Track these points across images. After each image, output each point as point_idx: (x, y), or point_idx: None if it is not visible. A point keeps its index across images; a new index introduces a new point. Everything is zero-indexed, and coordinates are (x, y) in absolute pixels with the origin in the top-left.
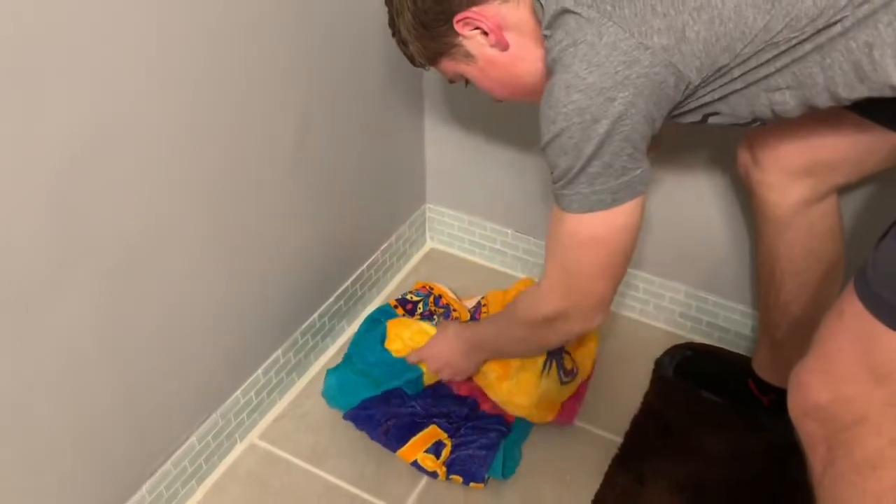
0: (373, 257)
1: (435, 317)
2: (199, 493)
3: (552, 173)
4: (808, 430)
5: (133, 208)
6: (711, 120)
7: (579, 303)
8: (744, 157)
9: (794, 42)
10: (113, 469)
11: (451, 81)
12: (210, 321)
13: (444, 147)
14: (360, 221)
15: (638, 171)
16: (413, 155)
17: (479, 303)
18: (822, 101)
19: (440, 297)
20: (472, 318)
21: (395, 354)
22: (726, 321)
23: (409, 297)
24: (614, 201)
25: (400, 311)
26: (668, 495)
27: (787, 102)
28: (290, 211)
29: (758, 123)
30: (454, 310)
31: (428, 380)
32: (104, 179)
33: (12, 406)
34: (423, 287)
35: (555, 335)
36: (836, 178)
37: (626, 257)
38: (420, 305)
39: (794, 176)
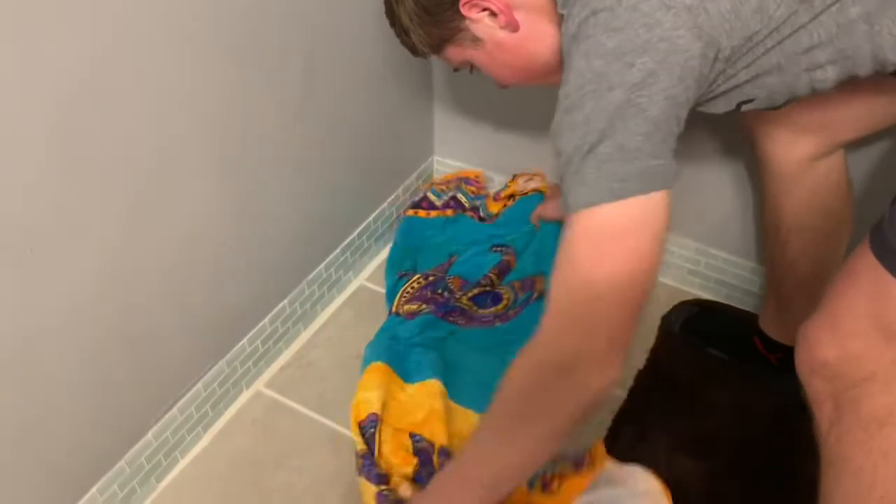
0: (379, 209)
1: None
2: (206, 440)
3: (559, 162)
4: (815, 386)
5: (138, 151)
6: (745, 107)
7: (596, 333)
8: (750, 113)
9: (830, 2)
10: (119, 414)
11: (456, 69)
12: (217, 269)
13: (453, 99)
14: (368, 173)
15: (654, 162)
16: (421, 107)
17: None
18: (866, 69)
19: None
20: (494, 199)
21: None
22: (735, 278)
23: (413, 200)
24: (623, 191)
25: (420, 212)
26: (670, 450)
27: (828, 78)
28: (297, 160)
29: (792, 103)
30: (475, 177)
31: None
32: (109, 117)
33: (19, 351)
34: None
35: (569, 393)
36: (845, 134)
37: (646, 271)
38: (430, 194)
39: (801, 131)
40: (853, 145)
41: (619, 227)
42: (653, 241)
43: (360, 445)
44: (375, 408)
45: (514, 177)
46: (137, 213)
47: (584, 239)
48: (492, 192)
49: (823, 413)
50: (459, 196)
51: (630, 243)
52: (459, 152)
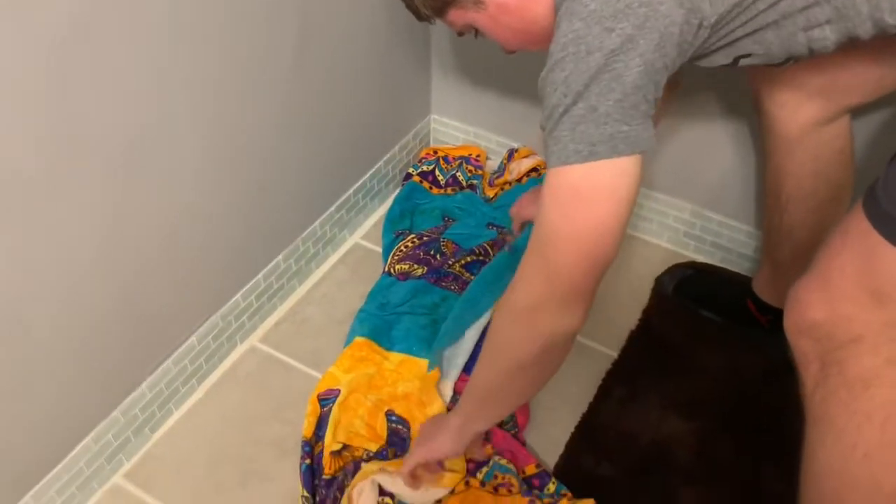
0: (375, 167)
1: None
2: (200, 392)
3: (542, 117)
4: (803, 347)
5: (132, 106)
6: (743, 62)
7: (558, 283)
8: (755, 74)
9: None
10: (114, 365)
11: (460, 34)
12: (212, 224)
13: (451, 58)
14: (364, 130)
15: (625, 128)
16: (419, 65)
17: (503, 162)
18: (866, 31)
19: (447, 156)
20: (499, 175)
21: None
22: (730, 241)
23: (422, 168)
24: (591, 154)
25: (426, 183)
26: (660, 409)
27: (827, 38)
28: (292, 115)
29: (791, 62)
30: (476, 156)
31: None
32: (102, 72)
33: (15, 301)
34: (430, 154)
35: (533, 334)
36: (851, 98)
37: (610, 232)
38: (438, 172)
39: (807, 95)
40: (856, 112)
41: (584, 189)
42: (617, 205)
43: (306, 430)
44: (340, 384)
45: (511, 154)
46: (131, 169)
47: (554, 196)
48: (489, 172)
49: (809, 373)
50: (459, 175)
51: (594, 205)
52: (457, 112)
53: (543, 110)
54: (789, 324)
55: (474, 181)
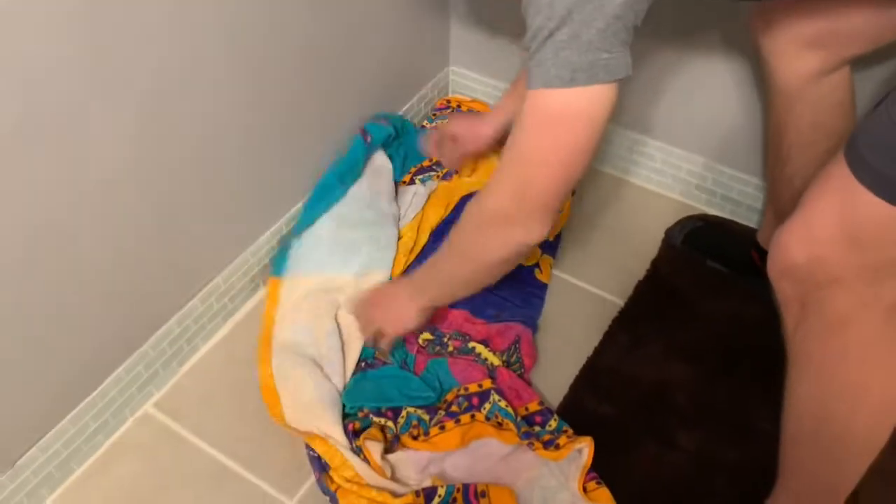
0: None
1: None
2: (225, 329)
3: (526, 37)
4: (784, 289)
5: (163, 34)
6: None
7: (525, 199)
8: (756, 24)
9: None
10: (146, 300)
11: None
12: (236, 169)
13: (469, 9)
14: (382, 81)
15: (605, 56)
16: (437, 16)
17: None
18: None
19: (459, 106)
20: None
21: None
22: (740, 194)
23: (437, 121)
24: (572, 80)
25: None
26: (662, 355)
27: None
28: (310, 57)
29: None
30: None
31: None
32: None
33: (49, 232)
34: (444, 105)
35: (498, 241)
36: (850, 49)
37: (582, 153)
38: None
39: (806, 45)
40: (857, 65)
41: (562, 113)
42: (592, 129)
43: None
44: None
45: None
46: (163, 100)
47: (532, 115)
48: None
49: (791, 314)
50: None
51: (570, 129)
52: (475, 63)
53: (528, 30)
54: (772, 266)
55: None
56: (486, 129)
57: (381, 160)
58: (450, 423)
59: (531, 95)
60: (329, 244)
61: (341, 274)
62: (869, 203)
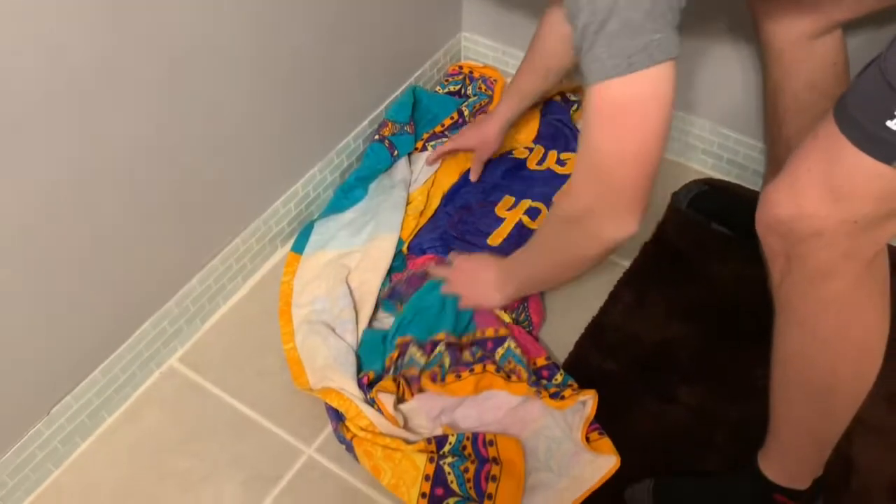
0: (406, 83)
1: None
2: (245, 289)
3: (575, 36)
4: (770, 243)
5: (184, 14)
6: None
7: (609, 193)
8: None
9: None
10: (169, 260)
11: None
12: (253, 135)
13: None
14: (396, 46)
15: (657, 36)
16: None
17: None
18: None
19: (472, 72)
20: None
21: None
22: (745, 158)
23: (449, 87)
24: (630, 66)
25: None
26: (665, 314)
27: None
28: (324, 25)
29: None
30: (494, 80)
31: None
32: None
33: (77, 193)
34: (456, 71)
35: (588, 240)
36: (843, 12)
37: (656, 138)
38: (464, 89)
39: (799, 9)
40: (851, 28)
41: (628, 100)
42: (660, 110)
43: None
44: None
45: None
46: (178, 70)
47: (599, 111)
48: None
49: (776, 267)
50: (469, 89)
51: (639, 115)
52: (487, 30)
53: (574, 32)
54: (759, 221)
55: (481, 99)
56: (492, 132)
57: (403, 173)
58: (465, 373)
59: (593, 92)
60: (345, 225)
61: (351, 247)
62: (853, 158)
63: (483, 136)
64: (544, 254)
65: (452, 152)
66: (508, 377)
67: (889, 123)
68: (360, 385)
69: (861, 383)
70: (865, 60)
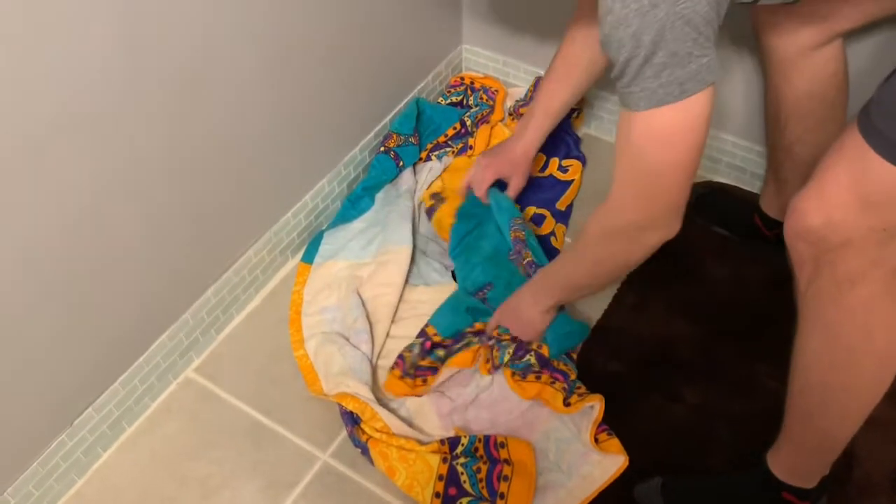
0: (410, 95)
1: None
2: (257, 300)
3: (614, 69)
4: (799, 250)
5: (190, 32)
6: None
7: (658, 207)
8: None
9: None
10: (183, 273)
11: None
12: (262, 150)
13: None
14: (397, 59)
15: (705, 60)
16: None
17: (528, 92)
18: None
19: (473, 83)
20: (525, 104)
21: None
22: (743, 161)
23: (451, 98)
24: (683, 93)
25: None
26: (668, 315)
27: None
28: (329, 40)
29: None
30: (495, 90)
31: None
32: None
33: (93, 213)
34: (457, 82)
35: (633, 250)
36: (844, 23)
37: (700, 152)
38: (466, 99)
39: (801, 21)
40: (851, 36)
41: (682, 123)
42: (704, 127)
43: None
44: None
45: (538, 83)
46: (190, 89)
47: (650, 136)
48: (508, 103)
49: (804, 273)
50: (471, 99)
51: (688, 135)
52: (487, 41)
53: (615, 66)
54: (788, 230)
55: (482, 109)
56: (521, 156)
57: (408, 183)
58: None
59: (641, 119)
60: (355, 236)
61: (362, 259)
62: (880, 168)
63: (512, 160)
64: (585, 265)
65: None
66: (524, 376)
67: None
68: (423, 348)
69: (879, 387)
70: (866, 68)
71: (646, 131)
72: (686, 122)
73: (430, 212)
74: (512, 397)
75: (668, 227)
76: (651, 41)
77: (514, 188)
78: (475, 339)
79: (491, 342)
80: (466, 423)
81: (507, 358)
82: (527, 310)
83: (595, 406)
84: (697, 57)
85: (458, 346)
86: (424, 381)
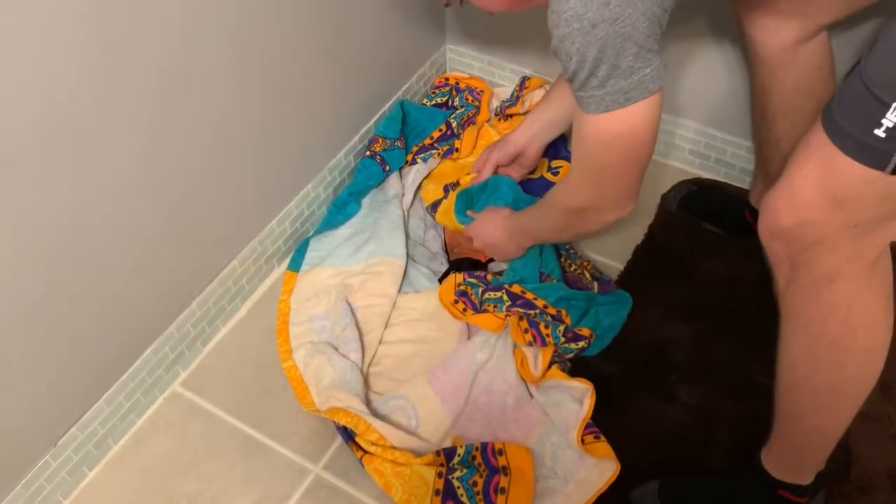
0: (394, 97)
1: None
2: (243, 310)
3: (567, 75)
4: (775, 250)
5: (169, 38)
6: None
7: (608, 195)
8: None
9: None
10: (166, 285)
11: (447, 4)
12: (245, 157)
13: None
14: (381, 60)
15: (647, 70)
16: None
17: (514, 92)
18: None
19: (458, 83)
20: (512, 104)
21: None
22: (733, 157)
23: (436, 99)
24: (627, 100)
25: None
26: (661, 314)
27: None
28: (310, 43)
29: None
30: (480, 91)
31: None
32: (143, 9)
33: (73, 227)
34: (442, 83)
35: (590, 224)
36: (827, 16)
37: (650, 148)
38: (451, 100)
39: (785, 16)
40: (836, 30)
41: (626, 127)
42: (653, 127)
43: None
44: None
45: (524, 83)
46: (170, 96)
47: (597, 137)
48: (494, 103)
49: (782, 273)
50: (456, 100)
51: (636, 136)
52: (471, 41)
53: (566, 71)
54: (762, 229)
55: (468, 111)
56: (524, 147)
57: (395, 188)
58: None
59: (591, 120)
60: (342, 243)
61: (350, 266)
62: (846, 166)
63: (518, 147)
64: (550, 228)
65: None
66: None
67: (876, 131)
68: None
69: (866, 381)
70: (851, 59)
71: (595, 133)
72: (631, 126)
73: (434, 207)
74: (496, 385)
75: (621, 209)
76: (594, 57)
77: (520, 174)
78: (507, 301)
79: (534, 311)
80: (463, 433)
81: (562, 340)
82: (504, 244)
83: (585, 402)
84: (640, 68)
85: (492, 294)
86: (464, 310)
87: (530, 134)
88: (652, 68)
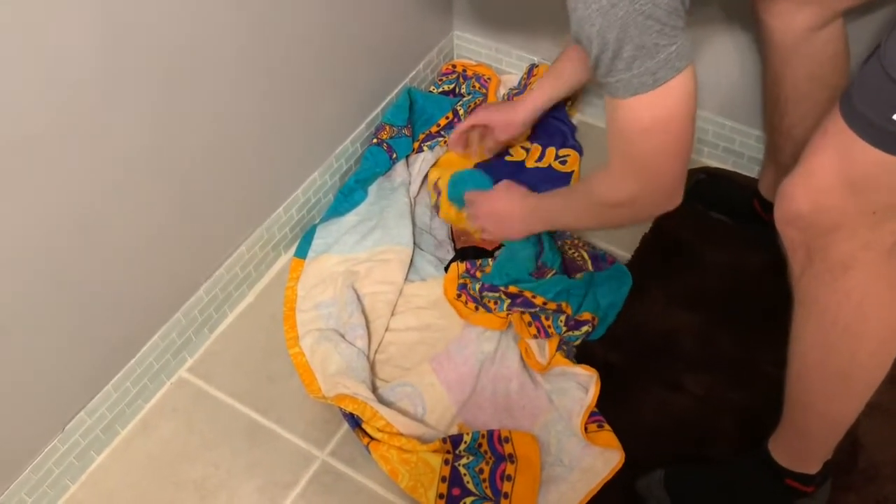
0: (401, 84)
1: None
2: (251, 297)
3: (590, 64)
4: (790, 236)
5: (173, 23)
6: None
7: (653, 186)
8: None
9: None
10: (173, 272)
11: None
12: (252, 144)
13: None
14: (387, 47)
15: (673, 48)
16: None
17: (522, 80)
18: None
19: (465, 70)
20: (519, 92)
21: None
22: (742, 146)
23: (443, 87)
24: (656, 81)
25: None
26: (667, 303)
27: None
28: (318, 31)
29: None
30: (488, 78)
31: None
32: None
33: (80, 215)
34: (450, 70)
35: (628, 218)
36: (843, 2)
37: (689, 132)
38: (458, 88)
39: (801, 2)
40: (851, 17)
41: (661, 110)
42: (690, 107)
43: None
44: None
45: (531, 71)
46: (177, 84)
47: (633, 123)
48: (503, 91)
49: (797, 259)
50: (463, 87)
51: (672, 119)
52: (478, 27)
53: (590, 58)
54: (778, 216)
55: (475, 98)
56: (518, 117)
57: (402, 176)
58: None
59: (622, 105)
60: (349, 230)
61: (357, 253)
62: (864, 152)
63: (508, 118)
64: (573, 221)
65: (473, 128)
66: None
67: (895, 117)
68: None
69: (879, 370)
70: (866, 47)
71: (630, 119)
72: (666, 108)
73: (435, 208)
74: (507, 376)
75: (667, 202)
76: (616, 38)
77: (494, 139)
78: (507, 301)
79: (534, 310)
80: (469, 420)
81: (563, 330)
82: (512, 222)
83: (590, 390)
84: (665, 46)
85: (491, 294)
86: (466, 303)
87: (524, 105)
88: (677, 45)
